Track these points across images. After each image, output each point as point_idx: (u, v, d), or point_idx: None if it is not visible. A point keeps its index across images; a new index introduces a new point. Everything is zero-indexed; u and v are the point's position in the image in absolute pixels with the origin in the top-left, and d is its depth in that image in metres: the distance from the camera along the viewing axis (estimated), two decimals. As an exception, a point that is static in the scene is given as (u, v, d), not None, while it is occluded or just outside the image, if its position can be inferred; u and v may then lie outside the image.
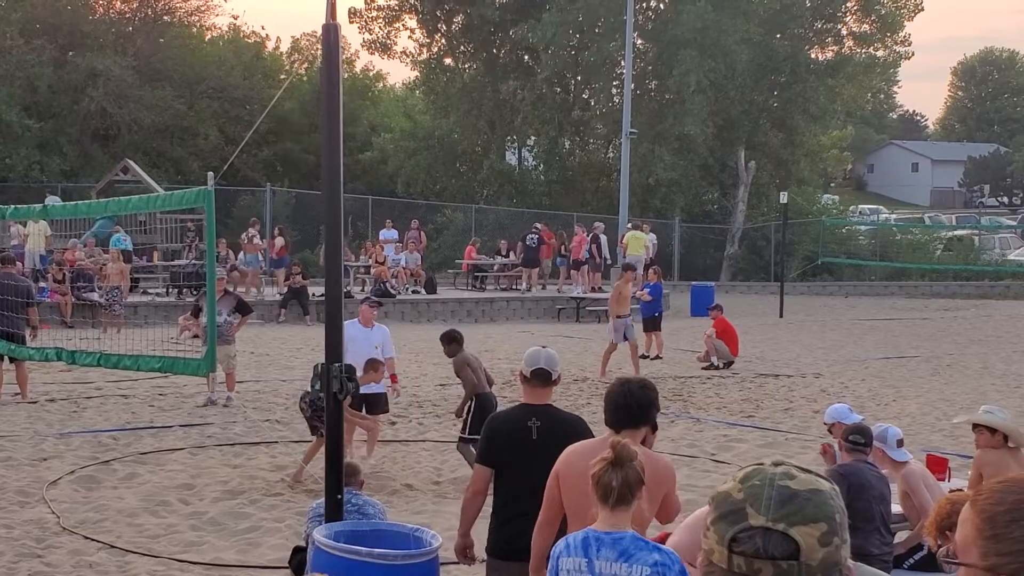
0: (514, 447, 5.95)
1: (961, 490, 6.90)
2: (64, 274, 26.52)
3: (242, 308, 16.51)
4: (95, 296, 26.49)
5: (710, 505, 1.88)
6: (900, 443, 7.56)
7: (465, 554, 6.19)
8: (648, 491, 4.74)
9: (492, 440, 6.06)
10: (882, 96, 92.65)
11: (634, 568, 4.17)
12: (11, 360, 15.99)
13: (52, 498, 10.61)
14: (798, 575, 1.78)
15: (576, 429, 6.05)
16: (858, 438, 7.30)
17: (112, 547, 9.09)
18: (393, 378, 13.21)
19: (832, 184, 74.63)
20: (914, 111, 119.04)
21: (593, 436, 5.78)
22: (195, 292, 24.61)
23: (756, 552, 1.78)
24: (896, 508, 7.45)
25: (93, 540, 9.26)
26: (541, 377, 6.12)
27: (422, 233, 36.51)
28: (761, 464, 1.89)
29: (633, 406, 5.21)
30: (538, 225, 35.78)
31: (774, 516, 1.79)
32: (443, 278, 36.65)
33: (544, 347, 6.35)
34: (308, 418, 11.67)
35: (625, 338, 19.89)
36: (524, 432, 5.97)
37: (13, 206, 16.07)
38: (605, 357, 19.82)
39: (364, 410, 12.17)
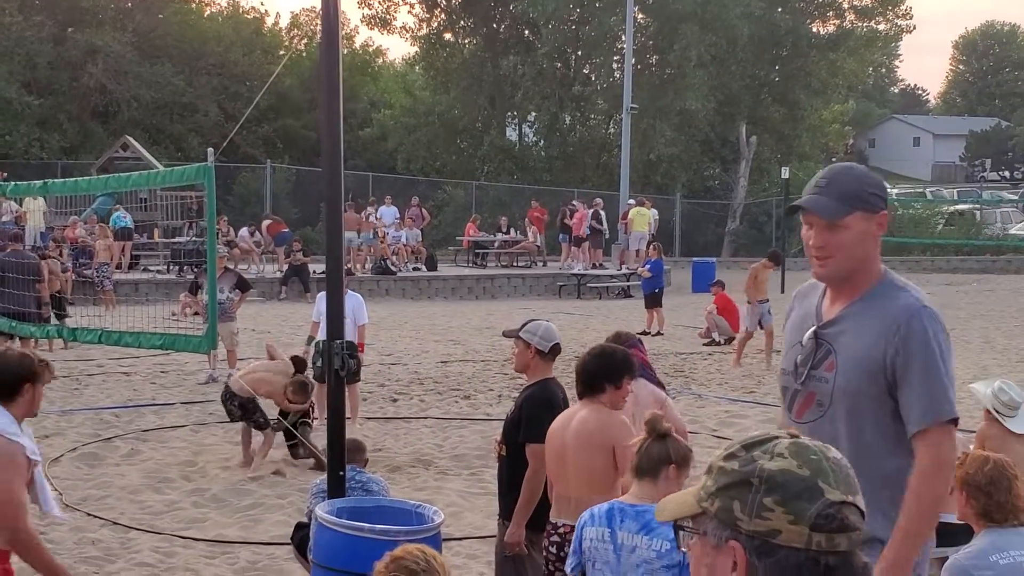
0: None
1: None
2: (61, 251, 26.47)
3: (242, 285, 16.50)
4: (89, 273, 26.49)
5: (760, 484, 1.79)
6: None
7: (521, 547, 6.10)
8: (593, 442, 5.18)
9: (549, 418, 6.06)
10: (883, 70, 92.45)
11: (654, 541, 4.17)
12: (11, 337, 15.98)
13: (54, 475, 10.60)
14: (859, 544, 1.79)
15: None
16: None
17: (115, 524, 9.09)
18: (360, 346, 13.18)
19: (833, 159, 74.40)
20: (915, 85, 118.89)
21: None
22: (195, 269, 24.61)
23: (842, 526, 1.76)
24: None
25: (96, 517, 9.26)
26: (558, 352, 6.35)
27: (423, 209, 36.48)
28: (783, 436, 1.85)
29: (583, 375, 5.46)
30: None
31: (845, 489, 1.78)
32: (444, 255, 36.64)
33: (547, 320, 6.52)
34: (240, 418, 11.29)
35: (760, 325, 18.06)
36: (559, 406, 6.19)
37: (13, 183, 16.04)
38: (739, 346, 18.30)
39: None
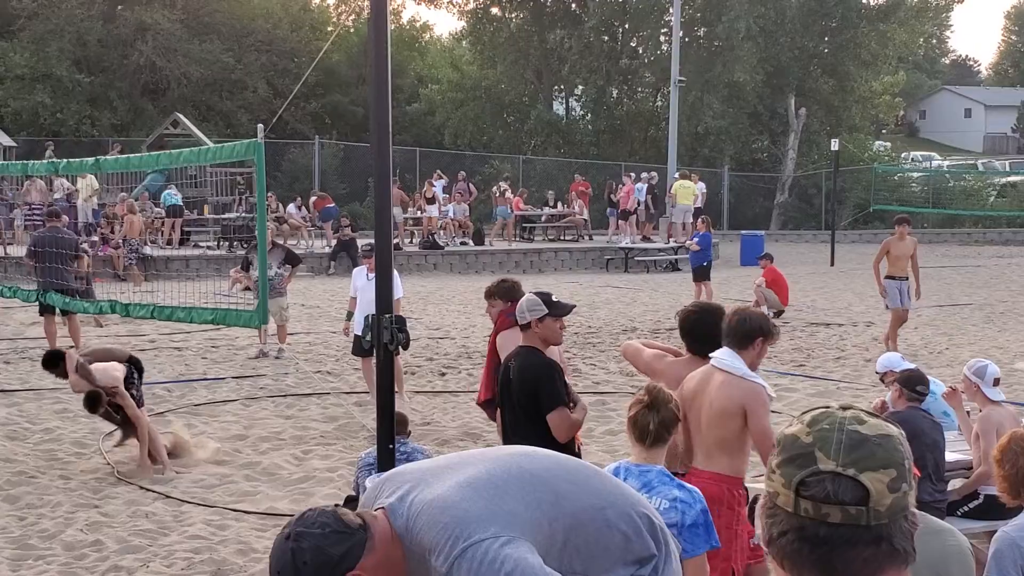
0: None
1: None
2: (113, 227, 26.72)
3: (291, 260, 16.60)
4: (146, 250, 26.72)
5: (776, 447, 1.83)
6: (997, 382, 7.45)
7: None
8: None
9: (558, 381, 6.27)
10: (934, 41, 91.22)
11: (653, 500, 4.26)
12: (63, 313, 16.17)
13: (108, 449, 10.75)
14: (866, 520, 1.74)
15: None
16: (924, 389, 7.27)
17: (168, 497, 9.20)
18: None
19: (884, 131, 73.76)
20: (967, 56, 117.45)
21: None
22: (245, 245, 24.77)
23: (825, 497, 1.74)
24: (951, 456, 7.40)
25: (149, 490, 9.38)
26: (534, 320, 6.49)
27: (471, 184, 36.50)
28: (829, 407, 1.85)
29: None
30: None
31: (844, 461, 1.75)
32: (491, 229, 36.63)
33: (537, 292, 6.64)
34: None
35: (899, 303, 16.23)
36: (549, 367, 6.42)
37: (66, 160, 16.19)
38: (892, 329, 16.52)
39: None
